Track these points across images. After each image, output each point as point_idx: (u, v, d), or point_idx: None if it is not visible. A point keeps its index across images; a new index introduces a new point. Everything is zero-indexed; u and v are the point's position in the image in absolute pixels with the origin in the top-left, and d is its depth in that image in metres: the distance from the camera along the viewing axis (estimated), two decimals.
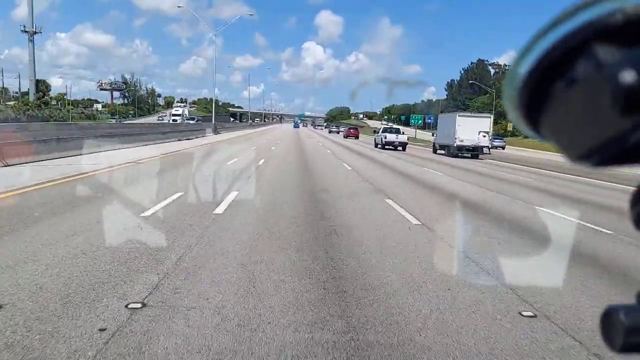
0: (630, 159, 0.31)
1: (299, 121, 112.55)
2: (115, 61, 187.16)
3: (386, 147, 25.77)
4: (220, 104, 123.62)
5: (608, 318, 0.35)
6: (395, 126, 30.10)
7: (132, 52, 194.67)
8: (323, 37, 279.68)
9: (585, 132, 0.32)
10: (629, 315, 0.34)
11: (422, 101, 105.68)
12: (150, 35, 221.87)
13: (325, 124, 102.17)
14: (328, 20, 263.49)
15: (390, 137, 25.73)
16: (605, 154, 0.31)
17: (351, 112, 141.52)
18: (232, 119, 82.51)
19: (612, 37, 0.30)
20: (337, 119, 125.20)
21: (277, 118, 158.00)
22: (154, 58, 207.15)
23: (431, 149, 25.36)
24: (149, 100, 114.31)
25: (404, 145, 25.93)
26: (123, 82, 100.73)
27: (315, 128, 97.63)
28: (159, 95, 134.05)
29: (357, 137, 42.87)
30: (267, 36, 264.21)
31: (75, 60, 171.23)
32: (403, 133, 27.29)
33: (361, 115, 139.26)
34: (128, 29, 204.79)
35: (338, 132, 61.69)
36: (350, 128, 46.03)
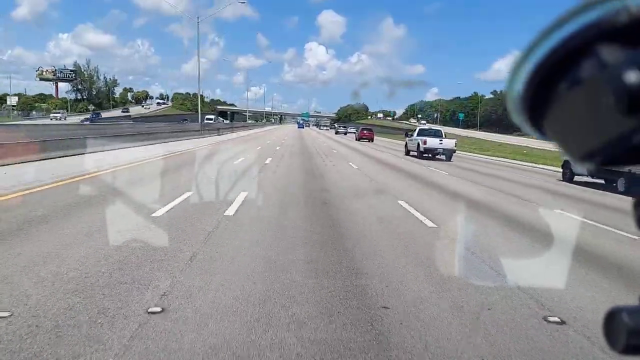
0: (634, 159, 0.35)
1: (302, 121, 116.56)
2: (117, 62, 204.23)
3: (424, 155, 21.64)
4: (208, 100, 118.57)
5: (611, 319, 0.39)
6: (434, 127, 25.82)
7: (134, 52, 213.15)
8: (326, 38, 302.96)
9: (589, 133, 0.35)
10: (632, 317, 0.38)
11: (492, 93, 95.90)
12: (151, 35, 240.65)
13: (335, 124, 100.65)
14: (330, 20, 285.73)
15: (432, 142, 21.58)
16: (609, 154, 0.35)
17: (369, 112, 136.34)
18: (221, 119, 76.62)
19: (616, 37, 0.33)
20: (351, 119, 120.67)
21: (276, 118, 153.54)
22: (156, 58, 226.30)
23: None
24: (109, 94, 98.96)
25: (449, 153, 21.85)
26: (72, 71, 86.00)
27: (320, 129, 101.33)
28: (131, 90, 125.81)
29: (371, 140, 42.84)
30: (269, 37, 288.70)
31: (78, 62, 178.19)
32: (445, 136, 23.18)
33: (380, 115, 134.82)
34: (129, 30, 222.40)
35: (345, 134, 63.99)
36: (363, 129, 46.46)
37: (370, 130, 47.16)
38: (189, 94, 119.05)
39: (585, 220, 7.45)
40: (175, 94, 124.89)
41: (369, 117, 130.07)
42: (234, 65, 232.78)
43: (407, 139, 25.18)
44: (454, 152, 22.16)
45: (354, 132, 69.41)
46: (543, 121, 0.39)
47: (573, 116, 0.37)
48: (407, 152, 24.46)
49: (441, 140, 21.80)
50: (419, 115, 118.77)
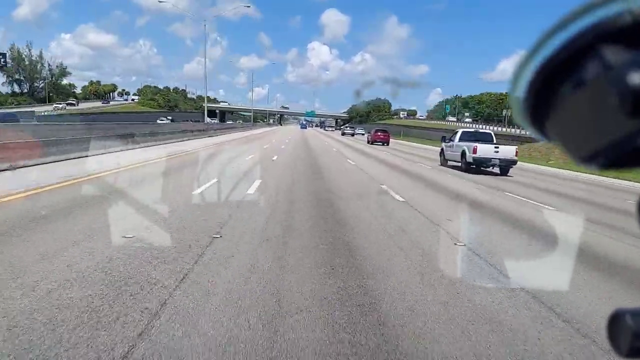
0: (637, 161, 0.38)
1: (305, 122, 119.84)
2: (119, 62, 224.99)
3: (472, 167, 17.79)
4: (193, 96, 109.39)
5: (615, 322, 0.42)
6: (481, 130, 21.35)
7: (135, 52, 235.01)
8: (329, 37, 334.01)
9: (592, 134, 0.38)
10: (636, 320, 0.41)
11: None
12: (152, 36, 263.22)
13: (342, 125, 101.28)
14: (334, 20, 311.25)
15: (485, 150, 17.65)
16: (612, 156, 0.37)
17: (392, 110, 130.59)
18: (208, 119, 70.98)
19: (620, 39, 0.36)
20: (370, 118, 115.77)
21: (275, 118, 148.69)
22: (157, 59, 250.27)
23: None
24: (46, 86, 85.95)
25: (507, 165, 17.90)
26: (1, 54, 72.63)
27: (325, 129, 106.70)
28: (99, 82, 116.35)
29: (387, 143, 42.94)
30: (272, 37, 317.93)
31: (79, 62, 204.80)
32: (494, 139, 19.09)
33: (403, 114, 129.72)
34: (131, 30, 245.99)
35: (353, 135, 67.19)
36: (377, 131, 45.69)
37: (385, 131, 46.10)
38: (169, 88, 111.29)
39: None
40: (144, 86, 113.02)
41: (393, 116, 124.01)
42: (236, 65, 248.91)
43: (444, 144, 21.34)
44: (514, 163, 17.77)
45: (362, 134, 69.49)
46: (546, 122, 0.42)
47: (576, 117, 0.39)
48: (444, 162, 20.85)
49: (497, 147, 17.41)
50: (466, 114, 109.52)
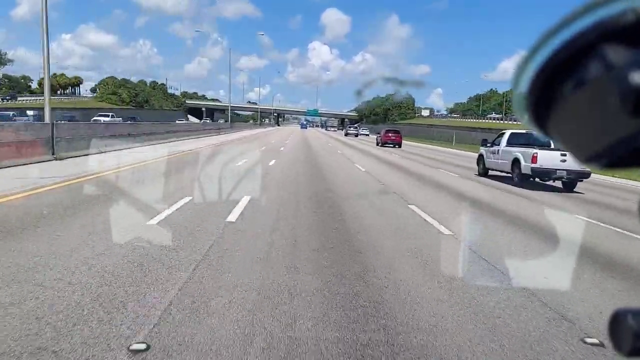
0: (639, 161, 0.39)
1: (306, 122, 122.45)
2: (120, 62, 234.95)
3: (528, 179, 14.66)
4: (178, 93, 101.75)
5: (616, 322, 0.45)
6: (529, 132, 17.40)
7: (136, 53, 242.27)
8: (329, 37, 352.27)
9: (594, 134, 0.40)
10: (637, 320, 0.43)
11: None
12: (154, 35, 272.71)
13: (349, 125, 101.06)
14: (334, 19, 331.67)
15: (548, 158, 13.95)
16: (614, 155, 0.39)
17: (416, 107, 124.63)
18: (191, 118, 66.87)
19: (622, 38, 0.37)
20: (389, 118, 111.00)
21: (270, 118, 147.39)
22: (158, 58, 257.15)
23: None
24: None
25: (576, 179, 14.46)
26: None
27: (327, 130, 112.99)
28: (63, 75, 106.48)
29: (399, 145, 42.65)
30: (273, 37, 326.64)
31: (80, 62, 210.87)
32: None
33: (426, 112, 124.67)
34: (131, 29, 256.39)
35: (356, 135, 69.72)
36: (387, 131, 45.19)
37: (396, 132, 45.82)
38: (145, 82, 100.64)
39: None
40: (108, 78, 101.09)
41: (416, 115, 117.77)
42: (236, 65, 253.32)
43: (484, 149, 18.19)
44: (587, 176, 14.53)
45: (367, 134, 72.07)
46: (547, 121, 0.44)
47: (578, 117, 0.41)
48: (484, 172, 18.04)
49: (564, 155, 13.65)
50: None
